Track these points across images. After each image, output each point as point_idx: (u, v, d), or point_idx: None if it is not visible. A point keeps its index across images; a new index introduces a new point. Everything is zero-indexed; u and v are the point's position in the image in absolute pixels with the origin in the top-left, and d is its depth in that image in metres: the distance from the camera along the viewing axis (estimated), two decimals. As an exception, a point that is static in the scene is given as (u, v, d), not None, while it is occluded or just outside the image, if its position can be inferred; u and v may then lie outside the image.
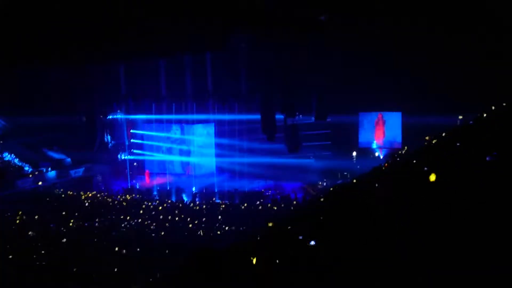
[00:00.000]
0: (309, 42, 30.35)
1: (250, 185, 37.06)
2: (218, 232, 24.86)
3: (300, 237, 8.32)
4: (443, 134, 13.76)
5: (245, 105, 37.40)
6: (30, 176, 36.13)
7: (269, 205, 31.57)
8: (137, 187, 39.47)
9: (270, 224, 10.96)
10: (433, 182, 8.16)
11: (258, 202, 32.33)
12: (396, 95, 31.83)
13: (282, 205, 30.95)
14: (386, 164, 14.54)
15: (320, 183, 35.89)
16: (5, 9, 23.16)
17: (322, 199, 14.41)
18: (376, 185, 10.68)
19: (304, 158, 36.66)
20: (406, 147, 30.82)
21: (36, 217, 27.33)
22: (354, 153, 36.58)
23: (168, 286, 12.17)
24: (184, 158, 40.35)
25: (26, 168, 36.77)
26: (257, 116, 35.16)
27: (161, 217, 28.23)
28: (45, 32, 25.54)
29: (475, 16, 23.86)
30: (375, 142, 36.98)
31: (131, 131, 41.12)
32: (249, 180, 37.56)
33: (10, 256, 19.75)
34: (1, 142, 37.16)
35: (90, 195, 35.17)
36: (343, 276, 5.92)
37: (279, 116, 34.94)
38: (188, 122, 39.63)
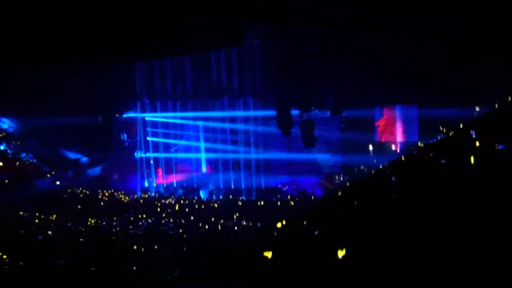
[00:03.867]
0: (324, 36, 30.27)
1: (266, 181, 36.97)
2: (236, 228, 24.84)
3: (316, 232, 8.26)
4: (460, 126, 13.61)
5: (260, 101, 37.32)
6: (48, 176, 36.30)
7: (288, 197, 31.57)
8: (154, 185, 39.60)
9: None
10: (451, 174, 8.06)
11: (275, 198, 32.26)
12: (412, 89, 31.56)
13: (298, 200, 30.88)
14: (403, 158, 14.39)
15: (337, 177, 35.74)
16: (20, 10, 23.27)
17: (339, 194, 14.33)
18: (394, 178, 10.58)
19: (321, 153, 36.56)
20: (422, 141, 30.61)
21: (54, 216, 27.46)
22: (371, 147, 36.36)
23: (186, 284, 12.17)
24: (200, 155, 40.33)
25: (44, 168, 36.94)
26: (273, 112, 35.14)
27: (178, 215, 28.26)
28: (61, 32, 25.65)
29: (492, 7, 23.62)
30: (391, 135, 36.72)
31: (147, 129, 41.18)
32: (266, 176, 37.52)
33: (29, 256, 19.88)
34: (19, 143, 37.36)
35: (107, 194, 35.29)
36: (360, 271, 5.84)
37: (295, 112, 34.87)
38: (203, 119, 39.54)
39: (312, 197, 32.30)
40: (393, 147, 36.53)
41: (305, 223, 10.17)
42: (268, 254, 7.56)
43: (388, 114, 36.77)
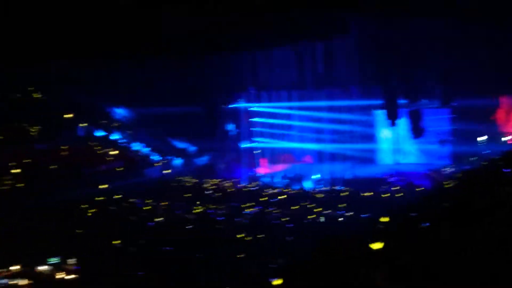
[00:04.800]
0: (432, 24, 29.59)
1: (372, 171, 36.44)
2: (340, 219, 24.68)
3: (426, 224, 8.07)
4: None
5: (366, 91, 36.83)
6: (158, 164, 37.40)
7: (396, 188, 31.11)
8: (259, 174, 39.87)
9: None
10: None
11: (381, 189, 31.77)
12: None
13: (405, 192, 30.29)
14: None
15: (446, 168, 34.70)
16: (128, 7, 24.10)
17: (447, 186, 13.94)
18: (505, 170, 10.18)
19: (429, 143, 35.70)
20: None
21: (163, 204, 28.29)
22: (483, 138, 34.99)
23: (292, 272, 12.23)
24: (304, 145, 40.25)
25: (154, 157, 38.06)
26: (378, 102, 34.75)
27: (282, 204, 28.37)
28: (166, 27, 26.39)
29: None
30: (505, 126, 35.21)
31: (253, 119, 41.54)
32: (372, 166, 37.02)
33: (140, 242, 20.64)
34: (131, 132, 38.63)
35: (214, 182, 35.87)
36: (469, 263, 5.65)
37: (402, 101, 34.34)
38: (307, 109, 39.44)
39: (420, 188, 31.51)
40: (507, 138, 35.02)
41: (412, 215, 9.97)
42: (376, 246, 7.45)
43: (506, 104, 35.30)
